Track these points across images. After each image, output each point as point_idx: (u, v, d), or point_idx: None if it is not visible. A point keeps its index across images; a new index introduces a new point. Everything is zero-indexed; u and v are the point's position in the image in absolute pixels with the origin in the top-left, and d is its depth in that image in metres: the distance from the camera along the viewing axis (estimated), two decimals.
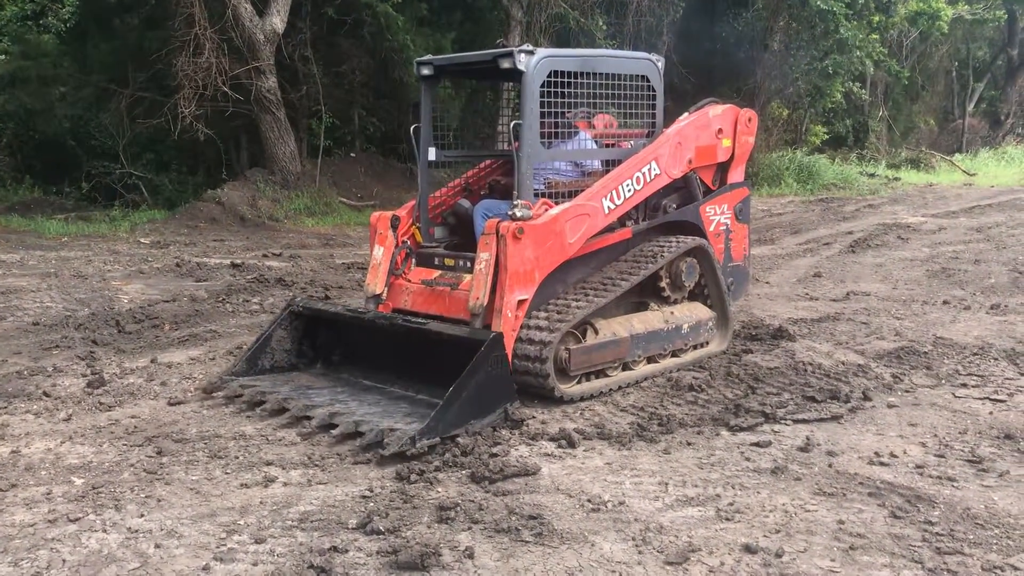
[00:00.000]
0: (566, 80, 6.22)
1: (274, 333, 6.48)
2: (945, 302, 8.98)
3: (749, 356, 6.82)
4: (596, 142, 6.98)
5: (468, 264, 6.24)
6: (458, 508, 4.10)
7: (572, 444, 4.99)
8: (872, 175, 27.74)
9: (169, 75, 16.07)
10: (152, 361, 6.85)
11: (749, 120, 7.58)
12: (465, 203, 7.08)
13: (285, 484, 4.49)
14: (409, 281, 6.57)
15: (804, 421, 5.36)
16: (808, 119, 29.89)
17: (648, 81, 6.84)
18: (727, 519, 3.98)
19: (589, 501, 4.19)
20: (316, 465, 4.74)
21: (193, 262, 11.42)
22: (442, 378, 5.31)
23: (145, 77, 17.76)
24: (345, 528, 3.95)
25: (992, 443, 4.95)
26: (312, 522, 4.01)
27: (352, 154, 20.32)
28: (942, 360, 6.71)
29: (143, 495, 4.32)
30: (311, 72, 18.23)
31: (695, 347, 6.87)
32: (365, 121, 21.10)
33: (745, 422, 5.30)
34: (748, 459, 4.74)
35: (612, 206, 6.36)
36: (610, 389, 6.06)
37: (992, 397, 5.81)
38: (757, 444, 4.96)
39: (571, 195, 6.24)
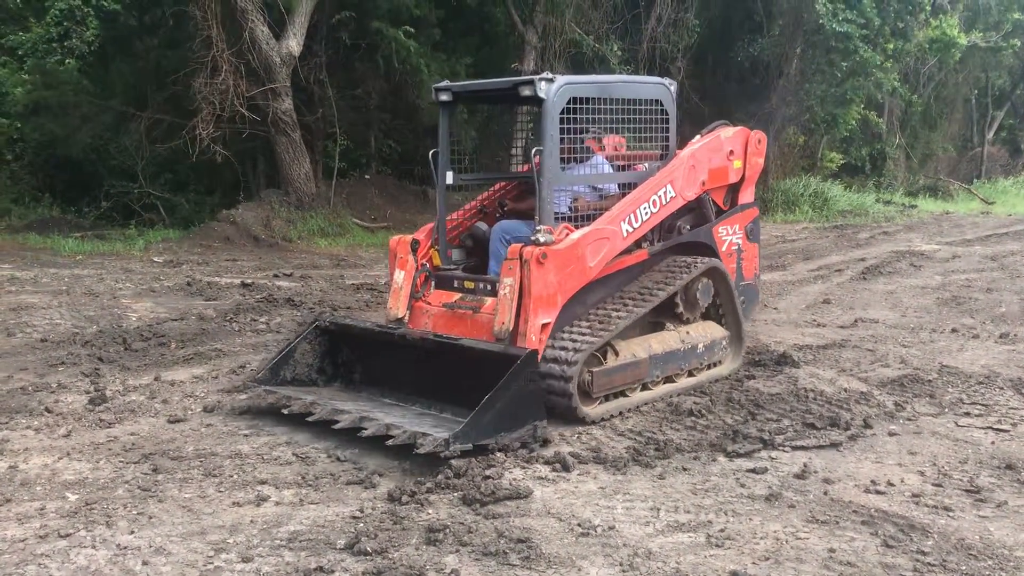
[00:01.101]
0: (584, 106, 6.34)
1: (298, 346, 6.55)
2: (954, 330, 8.90)
3: (751, 382, 6.79)
4: (612, 165, 7.09)
5: (488, 287, 6.39)
6: (447, 530, 4.09)
7: (567, 468, 4.97)
8: (888, 202, 27.63)
9: (187, 97, 16.26)
10: (155, 379, 6.90)
11: (759, 142, 7.73)
12: (482, 226, 7.14)
13: (277, 503, 4.49)
14: (429, 304, 6.65)
15: (803, 448, 5.32)
16: (824, 145, 29.84)
17: (662, 105, 7.00)
18: (717, 545, 3.95)
19: (579, 525, 4.17)
20: (309, 485, 4.75)
21: (204, 281, 11.50)
22: (467, 398, 5.42)
23: (163, 99, 17.98)
24: (333, 548, 3.95)
25: (992, 473, 4.89)
26: (301, 542, 4.02)
27: (367, 176, 20.46)
28: (946, 388, 6.65)
29: (135, 512, 4.34)
30: (327, 95, 18.39)
31: (709, 366, 6.98)
32: (380, 143, 21.25)
33: (743, 448, 5.26)
34: (743, 485, 4.71)
35: (630, 229, 6.49)
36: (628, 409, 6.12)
37: (995, 427, 5.74)
38: (753, 470, 4.92)
39: (590, 218, 6.38)
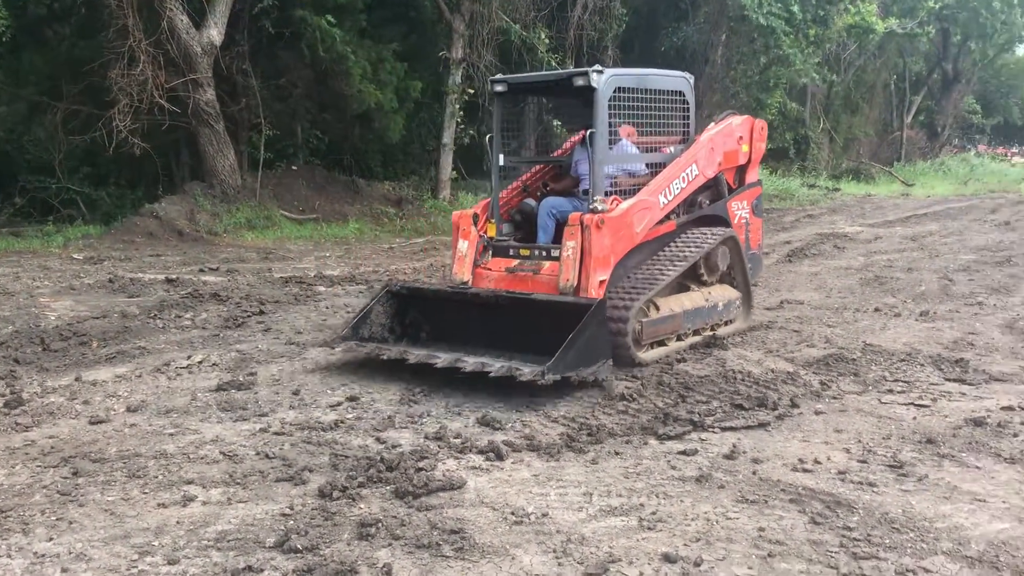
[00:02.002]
0: (624, 95, 7.35)
1: (374, 308, 7.37)
2: (876, 309, 9.12)
3: (681, 365, 6.85)
4: (637, 148, 8.00)
5: (542, 253, 7.44)
6: (379, 524, 4.03)
7: (500, 456, 4.95)
8: (813, 186, 28.24)
9: (104, 88, 15.77)
10: (76, 379, 6.67)
11: (762, 128, 8.90)
12: (531, 202, 8.18)
13: (204, 503, 4.38)
14: (490, 269, 7.64)
15: (732, 429, 5.39)
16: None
17: (684, 95, 8.13)
18: (649, 528, 3.97)
19: (513, 514, 4.16)
20: (237, 483, 4.64)
21: (127, 277, 11.19)
22: (532, 347, 6.32)
23: (79, 90, 17.40)
24: (262, 547, 3.86)
25: (914, 448, 5.01)
26: (229, 541, 3.92)
27: (294, 167, 20.12)
28: (870, 367, 6.80)
29: (54, 518, 4.18)
30: (250, 85, 18.04)
31: (726, 323, 8.02)
32: (307, 133, 20.92)
33: (673, 431, 5.31)
34: (674, 468, 4.75)
35: (666, 201, 7.59)
36: (667, 357, 7.05)
37: (916, 403, 5.90)
38: (684, 452, 4.97)
39: (624, 193, 7.38)
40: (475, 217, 7.76)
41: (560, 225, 7.51)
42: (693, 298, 7.64)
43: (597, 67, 7.15)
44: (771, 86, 26.36)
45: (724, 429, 5.38)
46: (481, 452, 5.03)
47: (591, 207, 7.02)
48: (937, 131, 46.64)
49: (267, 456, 5.04)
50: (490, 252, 7.75)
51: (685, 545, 3.80)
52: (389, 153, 23.38)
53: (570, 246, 6.85)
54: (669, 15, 27.09)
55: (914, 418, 5.57)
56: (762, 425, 5.45)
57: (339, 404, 6.04)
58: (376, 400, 6.13)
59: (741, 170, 8.77)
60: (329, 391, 6.38)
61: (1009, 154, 52.76)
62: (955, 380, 6.43)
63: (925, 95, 46.78)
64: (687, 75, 8.31)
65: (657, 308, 7.14)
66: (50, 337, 7.88)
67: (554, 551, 3.77)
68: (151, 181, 19.42)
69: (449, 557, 3.74)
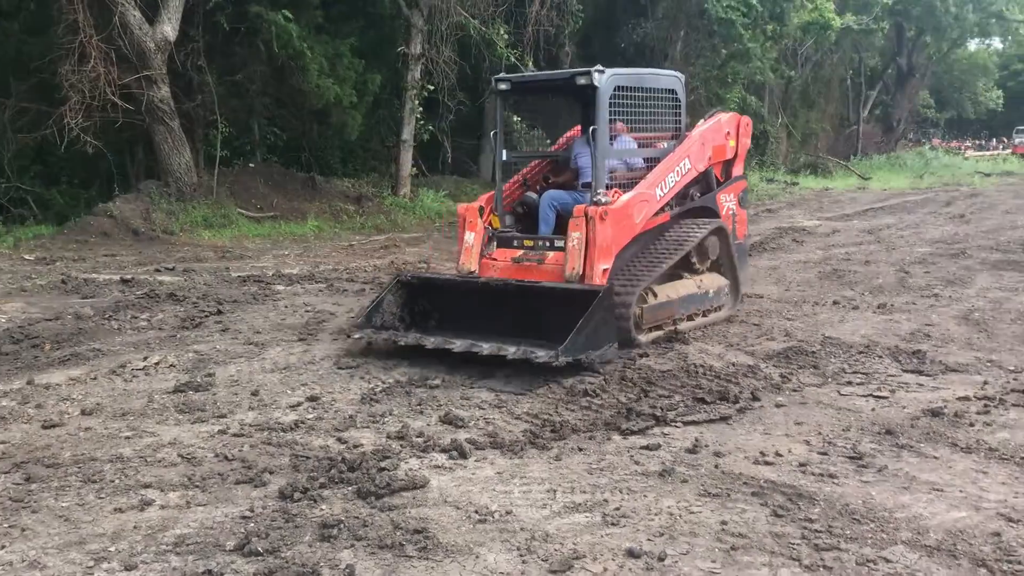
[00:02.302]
0: (622, 93, 7.76)
1: (386, 298, 7.68)
2: (835, 302, 9.23)
3: (643, 360, 6.86)
4: (634, 143, 8.36)
5: (545, 243, 7.79)
6: (342, 525, 3.98)
7: (464, 455, 4.92)
8: (771, 180, 28.54)
9: (55, 85, 15.44)
10: (28, 383, 6.51)
11: (747, 125, 9.35)
12: (532, 195, 8.50)
13: (162, 507, 4.30)
14: (495, 259, 7.98)
15: (694, 423, 5.41)
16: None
17: (676, 93, 8.51)
18: (613, 524, 3.97)
19: (476, 512, 4.13)
20: (196, 486, 4.56)
21: (80, 278, 10.96)
22: (538, 333, 6.70)
23: (28, 87, 17.02)
24: (222, 550, 3.80)
25: (873, 439, 5.07)
26: (188, 545, 3.85)
27: (251, 164, 19.88)
28: (829, 359, 6.88)
29: (6, 525, 4.08)
30: (206, 81, 17.77)
31: (717, 309, 8.45)
32: (264, 131, 20.68)
33: (636, 425, 5.32)
34: (637, 463, 4.75)
35: (662, 193, 8.00)
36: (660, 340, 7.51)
37: (875, 394, 5.97)
38: (647, 447, 4.98)
39: (622, 186, 7.76)
40: (481, 210, 8.09)
41: (560, 217, 7.99)
42: (687, 285, 8.10)
43: (598, 67, 7.56)
44: (730, 82, 26.58)
45: (686, 423, 5.40)
46: (444, 451, 4.99)
47: (595, 199, 7.40)
48: (892, 125, 47.39)
49: (226, 458, 4.96)
50: (495, 243, 8.10)
51: (649, 540, 3.80)
52: (348, 150, 23.20)
53: (575, 236, 7.24)
54: (628, 11, 27.18)
55: (873, 409, 5.64)
56: (724, 418, 5.48)
57: (299, 404, 5.97)
58: (337, 400, 6.06)
59: (728, 164, 9.20)
60: (289, 391, 6.30)
61: (962, 147, 53.72)
62: (912, 371, 6.52)
63: (880, 90, 47.48)
64: (679, 74, 8.85)
65: (655, 295, 7.61)
66: (0, 340, 7.70)
67: (518, 549, 3.75)
68: (105, 180, 19.05)
69: (412, 557, 3.70)
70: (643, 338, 7.32)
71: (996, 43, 58.26)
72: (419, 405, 5.89)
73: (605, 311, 6.62)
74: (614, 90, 7.64)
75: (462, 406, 5.83)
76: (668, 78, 8.68)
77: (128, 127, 16.34)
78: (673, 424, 5.38)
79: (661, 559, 3.60)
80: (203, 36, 17.82)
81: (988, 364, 6.67)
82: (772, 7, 25.92)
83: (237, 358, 7.28)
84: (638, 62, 27.46)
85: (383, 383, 6.42)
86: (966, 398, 5.78)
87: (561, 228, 7.74)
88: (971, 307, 8.79)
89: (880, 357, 6.91)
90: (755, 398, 5.85)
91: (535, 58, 20.92)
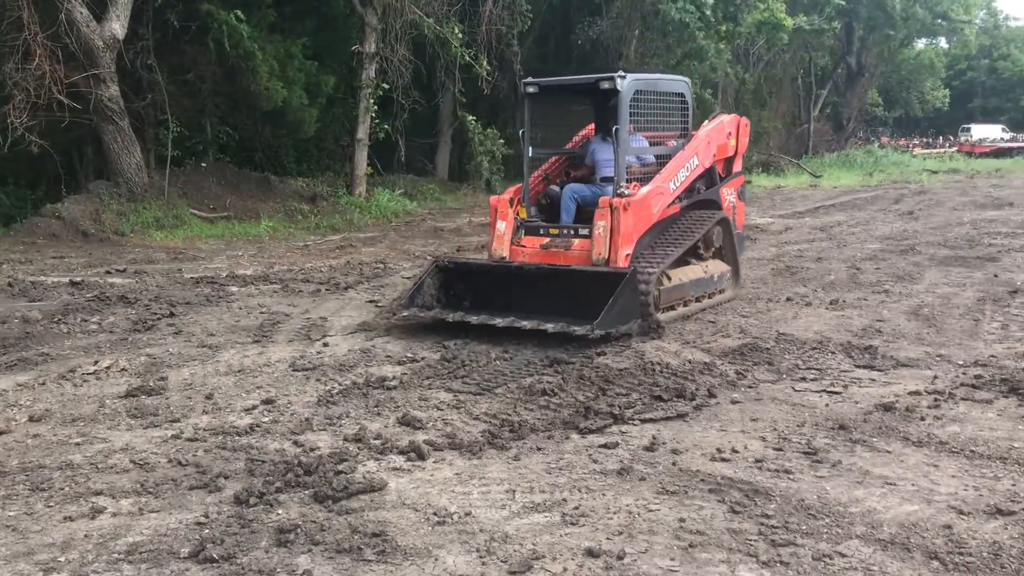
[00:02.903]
0: (641, 97, 8.55)
1: (425, 281, 8.45)
2: (788, 299, 9.34)
3: (601, 358, 6.88)
4: (646, 142, 9.13)
5: (570, 231, 8.61)
6: (299, 530, 3.94)
7: (422, 456, 4.89)
8: None
9: None
10: None
11: (745, 125, 10.24)
12: (555, 188, 9.37)
13: (114, 514, 4.21)
14: (524, 247, 8.75)
15: (651, 420, 5.44)
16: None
17: (684, 97, 9.37)
18: (572, 523, 3.97)
19: (435, 514, 4.11)
20: (149, 492, 4.48)
21: (27, 281, 10.73)
22: (565, 312, 7.54)
23: None
24: (176, 558, 3.73)
25: (827, 434, 5.13)
26: (141, 553, 3.78)
27: (203, 164, 19.61)
28: (783, 355, 6.95)
29: None
30: (156, 80, 17.49)
31: (719, 292, 9.27)
32: (217, 130, 20.41)
33: (594, 424, 5.33)
34: (596, 461, 4.76)
35: (674, 187, 8.78)
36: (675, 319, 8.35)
37: (829, 390, 6.05)
38: (605, 446, 4.99)
39: (638, 180, 8.54)
40: (511, 201, 8.86)
41: (580, 207, 8.90)
42: (695, 270, 8.91)
43: (620, 72, 8.33)
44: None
45: (644, 421, 5.43)
46: (402, 452, 4.96)
47: (618, 192, 8.21)
48: (843, 124, 48.12)
49: (180, 463, 4.88)
50: (523, 231, 8.88)
51: (608, 539, 3.80)
52: (302, 149, 23.00)
53: (601, 225, 8.05)
54: (583, 9, 27.27)
55: (827, 405, 5.71)
56: (681, 416, 5.51)
57: (254, 407, 5.89)
58: (292, 402, 5.99)
59: (729, 161, 10.07)
60: (244, 394, 6.22)
61: (910, 145, 54.68)
62: (865, 366, 6.62)
63: (831, 89, 48.19)
64: (686, 79, 9.86)
65: (670, 279, 8.37)
66: None
67: (477, 550, 3.73)
68: (53, 180, 18.68)
69: (371, 561, 3.67)
70: (661, 316, 8.02)
71: (942, 43, 59.47)
72: (376, 407, 5.84)
73: (631, 291, 7.50)
74: (638, 94, 8.47)
75: (420, 407, 5.80)
76: (678, 83, 9.58)
77: (76, 126, 16.06)
78: (631, 422, 5.40)
79: (620, 558, 3.61)
80: (152, 34, 17.55)
81: (938, 359, 6.79)
82: (725, 7, 26.17)
83: (190, 361, 7.18)
84: (593, 61, 27.57)
85: (340, 385, 6.36)
86: (917, 392, 5.88)
87: (580, 218, 8.75)
88: (920, 303, 8.95)
89: (833, 353, 7.01)
90: (711, 395, 5.90)
91: (489, 58, 20.90)
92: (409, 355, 7.20)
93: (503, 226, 8.82)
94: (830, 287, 10.03)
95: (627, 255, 8.09)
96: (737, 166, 10.27)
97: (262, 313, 9.07)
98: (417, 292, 8.39)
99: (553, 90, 9.54)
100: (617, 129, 8.30)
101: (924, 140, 60.46)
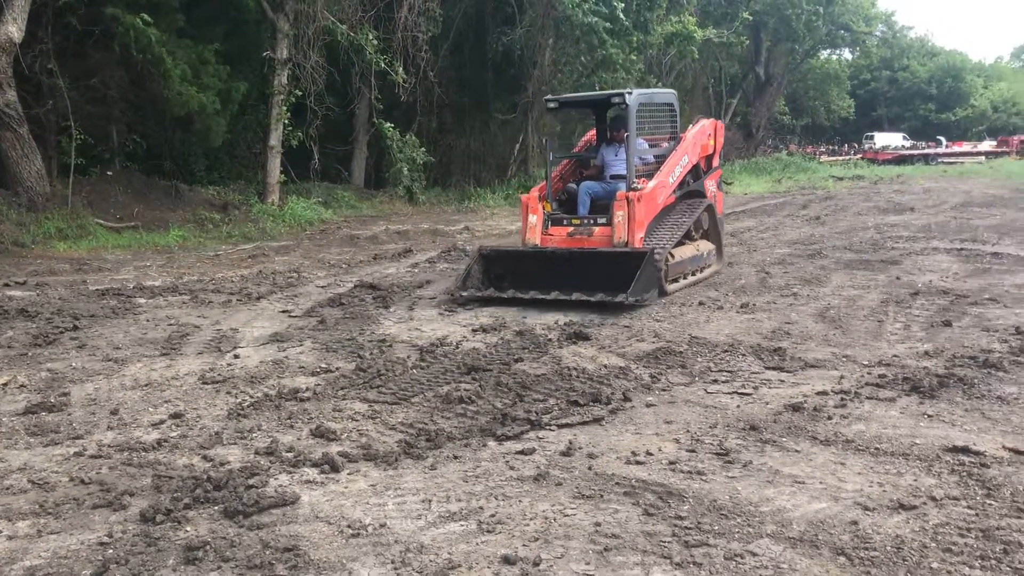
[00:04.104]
0: (642, 108, 10.82)
1: (472, 267, 10.35)
2: (701, 303, 9.50)
3: (518, 364, 6.89)
4: (646, 144, 11.38)
5: (590, 221, 10.46)
6: (208, 547, 3.83)
7: (336, 468, 4.81)
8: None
9: None
10: None
11: (720, 127, 12.53)
12: (572, 185, 11.24)
13: (10, 538, 4.03)
14: (551, 235, 10.52)
15: (568, 425, 5.45)
16: (579, 134, 31.04)
17: (673, 106, 11.72)
18: (488, 531, 3.95)
19: (349, 527, 4.04)
20: (49, 513, 4.30)
21: None
22: (594, 288, 9.50)
23: None
24: None
25: (738, 435, 5.22)
26: None
27: (109, 172, 19.01)
28: (696, 358, 7.06)
29: None
30: (57, 85, 16.89)
31: (708, 266, 11.28)
32: (124, 137, 19.81)
33: (511, 431, 5.32)
34: (512, 468, 4.75)
35: (672, 181, 10.84)
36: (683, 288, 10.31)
37: (739, 391, 6.15)
38: (522, 452, 4.98)
39: (641, 177, 10.53)
40: (539, 197, 10.66)
41: (594, 201, 10.81)
42: (690, 249, 10.72)
43: (628, 90, 10.46)
44: (597, 90, 27.07)
45: (561, 426, 5.44)
46: (315, 465, 4.86)
47: (631, 187, 10.13)
48: (752, 132, 49.29)
49: (82, 481, 4.70)
50: (549, 222, 10.61)
51: (524, 545, 3.79)
52: (213, 157, 22.51)
53: (620, 214, 9.92)
54: (497, 17, 27.36)
55: (738, 406, 5.81)
56: (597, 420, 5.54)
57: (162, 422, 5.72)
58: (202, 416, 5.84)
59: (708, 158, 12.10)
60: (151, 409, 6.04)
61: (817, 153, 56.42)
62: (774, 368, 6.76)
63: (740, 98, 49.35)
64: (673, 91, 12.26)
65: (674, 256, 10.05)
66: None
67: (392, 562, 3.68)
68: None
69: None
70: (669, 288, 9.88)
71: (847, 54, 61.58)
72: (289, 419, 5.73)
73: (651, 266, 9.31)
74: (641, 106, 10.58)
75: (334, 418, 5.71)
76: (668, 94, 11.91)
77: None
78: (548, 428, 5.41)
79: (536, 564, 3.60)
80: (52, 38, 16.93)
81: (844, 359, 6.99)
82: (636, 17, 26.57)
83: (95, 375, 6.94)
84: (507, 69, 27.69)
85: (251, 397, 6.22)
86: (824, 392, 6.03)
87: (593, 210, 10.69)
88: (827, 305, 9.20)
89: (744, 355, 7.15)
90: (626, 399, 5.95)
91: (404, 64, 20.80)
92: (323, 365, 7.09)
93: (534, 219, 10.52)
94: (741, 291, 10.25)
95: (641, 238, 9.97)
96: (715, 161, 12.35)
97: (170, 325, 8.82)
98: (467, 277, 10.22)
99: (571, 104, 12.40)
100: (628, 136, 10.33)
101: (830, 148, 62.47)
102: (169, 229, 17.57)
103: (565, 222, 10.55)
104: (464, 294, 9.82)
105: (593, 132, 12.36)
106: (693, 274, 10.66)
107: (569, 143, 11.04)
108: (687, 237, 10.75)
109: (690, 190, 11.39)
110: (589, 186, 10.98)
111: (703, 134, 11.72)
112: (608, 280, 9.40)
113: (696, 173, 11.61)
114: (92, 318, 9.13)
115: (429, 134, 24.98)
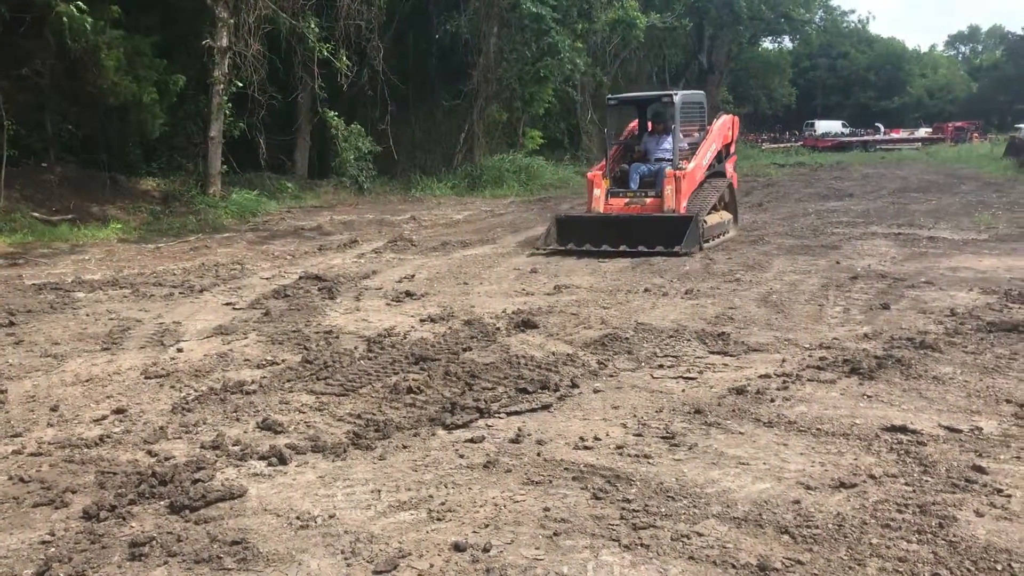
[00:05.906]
0: (684, 106, 14.14)
1: (551, 230, 13.40)
2: (646, 290, 9.60)
3: (467, 354, 6.90)
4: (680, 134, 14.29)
5: (643, 193, 13.57)
6: (154, 542, 3.78)
7: (284, 461, 4.77)
8: (583, 174, 29.42)
9: None
10: None
11: (736, 121, 16.19)
12: (625, 165, 14.18)
13: None
14: (611, 205, 13.58)
15: (517, 413, 5.48)
16: (524, 123, 31.06)
17: (702, 103, 15.27)
18: (438, 519, 3.96)
19: (298, 518, 4.02)
20: None
21: None
22: (649, 245, 12.39)
23: None
24: None
25: (684, 419, 5.29)
26: None
27: (44, 164, 18.52)
28: (642, 344, 7.14)
29: None
30: None
31: (727, 232, 14.10)
32: (58, 128, 19.31)
33: (461, 419, 5.33)
34: (462, 456, 4.76)
35: (704, 163, 14.08)
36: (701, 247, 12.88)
37: (685, 376, 6.24)
38: (471, 440, 4.99)
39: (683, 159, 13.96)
40: (603, 175, 13.75)
41: (642, 178, 13.84)
42: (716, 217, 13.81)
43: (675, 91, 14.00)
44: (542, 76, 27.11)
45: (510, 414, 5.46)
46: (263, 458, 4.82)
47: (677, 167, 13.34)
48: None
49: (22, 480, 4.60)
50: (608, 195, 13.65)
51: (474, 532, 3.81)
52: (152, 148, 22.05)
53: (669, 188, 12.97)
54: (441, 4, 27.22)
55: (683, 390, 5.90)
56: (545, 407, 5.58)
57: (104, 418, 5.62)
58: (145, 411, 5.74)
59: (728, 146, 15.56)
60: (93, 404, 5.92)
61: (759, 140, 57.19)
62: (718, 352, 6.87)
63: (683, 87, 49.75)
64: (702, 92, 16.31)
65: (707, 222, 13.03)
66: None
67: (342, 552, 3.67)
68: None
69: (231, 570, 3.56)
70: (706, 245, 12.65)
71: (787, 43, 62.44)
72: (235, 412, 5.67)
73: (696, 226, 12.37)
74: (684, 103, 13.99)
75: (281, 411, 5.66)
76: (698, 95, 15.49)
77: None
78: (497, 415, 5.43)
79: (486, 550, 3.63)
80: None
81: (786, 343, 7.12)
82: (580, 4, 26.64)
83: (33, 372, 6.78)
84: (452, 57, 27.56)
85: (195, 391, 6.14)
86: (767, 376, 6.14)
87: (642, 186, 13.68)
88: (769, 290, 9.37)
89: (688, 340, 7.24)
90: (574, 385, 6.00)
91: (348, 50, 20.58)
92: (269, 358, 7.03)
93: (598, 191, 13.57)
94: (685, 277, 10.38)
95: (685, 206, 12.92)
96: (732, 148, 15.87)
97: (111, 319, 8.66)
98: (547, 236, 13.34)
99: (628, 102, 15.79)
100: (674, 128, 13.72)
101: (772, 135, 63.36)
102: (108, 222, 17.21)
103: (621, 194, 13.61)
104: (548, 248, 12.91)
105: (635, 123, 15.40)
106: (717, 237, 13.38)
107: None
108: (713, 208, 13.68)
109: (716, 171, 14.59)
110: (638, 167, 14.01)
111: (724, 127, 15.20)
112: (658, 239, 12.26)
113: (719, 157, 14.93)
114: (29, 313, 8.92)
115: (373, 123, 24.75)
